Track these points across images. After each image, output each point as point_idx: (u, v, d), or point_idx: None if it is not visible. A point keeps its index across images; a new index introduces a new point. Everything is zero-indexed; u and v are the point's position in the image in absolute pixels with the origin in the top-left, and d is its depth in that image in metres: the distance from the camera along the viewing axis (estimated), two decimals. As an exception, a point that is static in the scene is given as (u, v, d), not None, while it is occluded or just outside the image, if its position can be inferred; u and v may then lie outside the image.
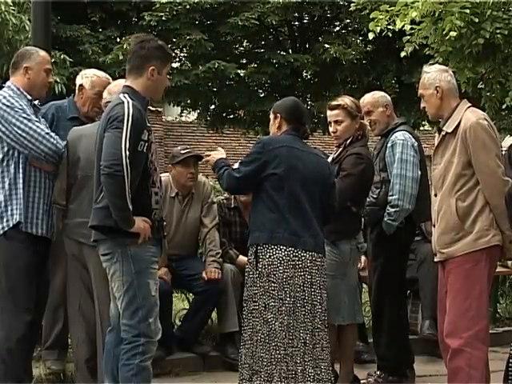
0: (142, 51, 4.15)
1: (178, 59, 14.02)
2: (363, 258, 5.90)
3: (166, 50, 4.29)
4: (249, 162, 4.50)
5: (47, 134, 4.55)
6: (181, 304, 6.84)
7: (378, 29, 7.36)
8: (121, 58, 12.21)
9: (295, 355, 4.34)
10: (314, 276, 4.42)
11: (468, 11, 6.80)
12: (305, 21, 14.47)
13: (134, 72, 4.17)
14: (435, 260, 4.58)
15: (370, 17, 7.48)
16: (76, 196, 4.59)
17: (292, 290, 4.36)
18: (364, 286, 6.43)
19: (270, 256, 4.38)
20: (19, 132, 4.48)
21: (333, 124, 5.14)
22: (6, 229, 4.54)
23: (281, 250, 4.37)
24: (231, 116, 15.28)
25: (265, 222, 4.43)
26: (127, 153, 3.90)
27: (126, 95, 4.07)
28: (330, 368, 4.48)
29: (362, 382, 5.31)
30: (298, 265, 4.37)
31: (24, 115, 4.51)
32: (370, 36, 7.54)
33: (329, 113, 5.18)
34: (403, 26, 7.19)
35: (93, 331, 4.58)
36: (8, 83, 4.67)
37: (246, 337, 4.44)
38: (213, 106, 15.20)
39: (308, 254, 4.40)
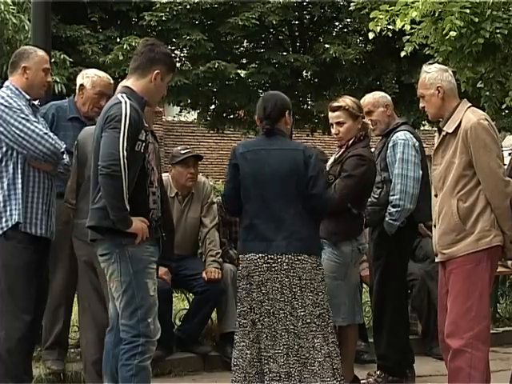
0: (151, 53, 4.15)
1: (178, 59, 14.02)
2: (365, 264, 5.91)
3: (173, 59, 4.33)
4: (227, 180, 4.63)
5: (45, 134, 4.54)
6: (181, 304, 6.85)
7: (378, 28, 7.35)
8: (121, 58, 12.21)
9: (278, 357, 4.36)
10: (293, 279, 4.38)
11: (468, 11, 6.79)
12: (305, 21, 14.46)
13: (138, 72, 4.16)
14: (436, 260, 4.58)
15: (370, 16, 7.48)
16: (83, 196, 4.58)
17: (270, 292, 4.38)
18: (364, 285, 6.43)
19: (247, 259, 4.44)
20: (17, 132, 4.47)
21: (335, 125, 5.10)
22: (5, 229, 4.53)
23: (254, 255, 4.41)
24: (231, 116, 15.27)
25: (241, 231, 4.56)
26: (125, 153, 3.89)
27: (124, 95, 4.06)
28: (321, 369, 4.40)
29: (362, 381, 5.30)
30: (274, 267, 4.38)
31: (22, 115, 4.50)
32: (370, 36, 7.53)
33: (330, 114, 5.15)
34: (403, 26, 7.18)
35: (103, 332, 4.58)
36: (6, 83, 4.66)
37: (238, 339, 4.49)
38: (213, 106, 15.19)
39: (284, 256, 4.38)
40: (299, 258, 4.40)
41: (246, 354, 4.45)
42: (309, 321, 4.39)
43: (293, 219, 4.42)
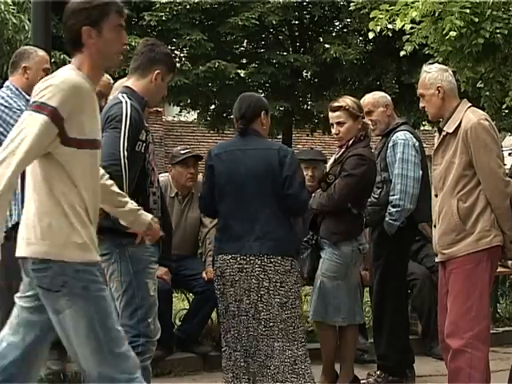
0: (151, 53, 4.14)
1: (178, 59, 14.02)
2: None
3: (173, 59, 4.31)
4: (203, 182, 4.62)
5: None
6: (181, 304, 6.84)
7: (378, 28, 7.35)
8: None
9: (238, 360, 4.38)
10: (263, 281, 4.33)
11: (468, 11, 6.79)
12: (305, 21, 14.47)
13: (138, 72, 4.15)
14: (436, 260, 4.58)
15: (370, 16, 7.48)
16: None
17: (237, 293, 4.36)
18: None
19: (220, 259, 4.43)
20: (17, 133, 4.46)
21: (335, 126, 5.10)
22: (4, 229, 4.51)
23: (227, 256, 4.39)
24: (231, 116, 15.24)
25: (217, 231, 4.57)
26: (125, 153, 3.88)
27: (125, 95, 4.06)
28: (277, 374, 4.34)
29: (362, 381, 5.30)
30: (246, 268, 4.34)
31: (22, 116, 4.49)
32: (370, 35, 7.53)
33: (330, 114, 5.15)
34: (403, 26, 7.18)
35: None
36: (7, 83, 4.67)
37: (222, 339, 4.51)
38: (213, 106, 15.21)
39: (257, 258, 4.33)
40: (272, 260, 4.33)
41: (230, 353, 4.45)
42: (271, 324, 4.33)
43: (267, 219, 4.35)
